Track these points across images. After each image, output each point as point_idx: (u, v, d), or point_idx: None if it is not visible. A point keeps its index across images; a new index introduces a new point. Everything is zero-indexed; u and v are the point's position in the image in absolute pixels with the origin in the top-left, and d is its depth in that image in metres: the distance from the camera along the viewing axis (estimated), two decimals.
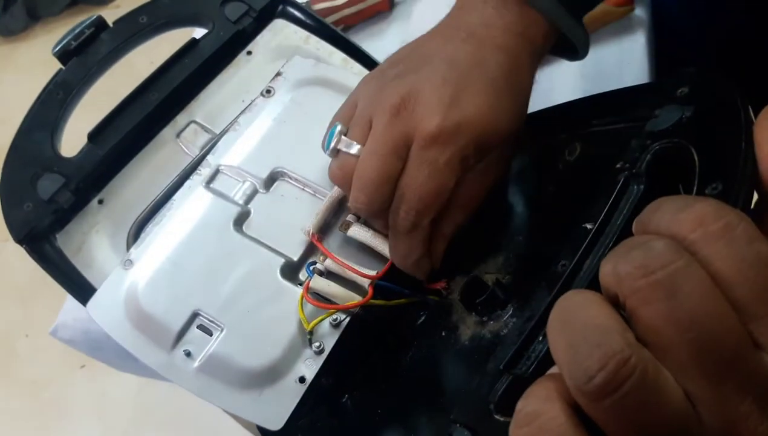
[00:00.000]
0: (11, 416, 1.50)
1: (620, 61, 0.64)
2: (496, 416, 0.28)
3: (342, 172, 0.41)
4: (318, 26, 0.58)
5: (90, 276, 0.50)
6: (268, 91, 0.52)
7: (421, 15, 0.73)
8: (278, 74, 0.53)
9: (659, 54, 0.66)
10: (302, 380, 0.43)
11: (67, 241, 0.51)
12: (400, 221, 0.40)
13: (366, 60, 0.56)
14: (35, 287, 1.60)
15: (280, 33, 0.57)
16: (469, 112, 0.38)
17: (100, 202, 0.52)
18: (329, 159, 0.43)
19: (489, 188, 0.43)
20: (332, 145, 0.41)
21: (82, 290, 0.49)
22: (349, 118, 0.42)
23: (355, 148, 0.40)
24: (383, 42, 0.71)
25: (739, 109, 0.33)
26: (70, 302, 0.61)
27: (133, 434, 1.39)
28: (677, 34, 0.70)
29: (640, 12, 0.66)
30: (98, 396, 1.44)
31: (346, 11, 0.66)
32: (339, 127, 0.41)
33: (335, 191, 0.47)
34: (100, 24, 0.54)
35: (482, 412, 0.29)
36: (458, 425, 0.30)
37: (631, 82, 0.61)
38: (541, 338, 0.29)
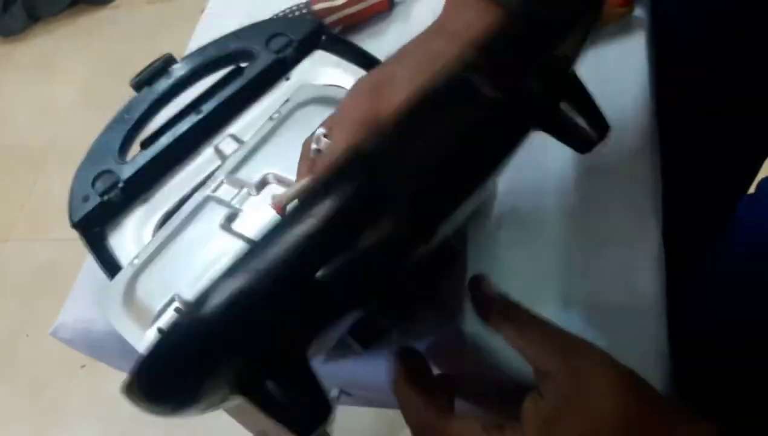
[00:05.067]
0: (11, 416, 1.47)
1: (620, 61, 0.62)
2: None
3: (309, 167, 0.41)
4: (356, 56, 0.62)
5: (121, 257, 0.57)
6: (277, 114, 0.57)
7: (421, 15, 0.72)
8: (287, 100, 0.58)
9: (659, 54, 0.65)
10: None
11: (111, 229, 0.59)
12: None
13: None
14: (35, 287, 1.62)
15: (318, 61, 0.62)
16: None
17: (144, 199, 0.60)
18: None
19: None
20: (309, 148, 0.41)
21: (114, 272, 0.55)
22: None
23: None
24: (383, 42, 0.70)
25: None
26: (71, 302, 0.62)
27: (132, 434, 1.34)
28: (677, 34, 0.69)
29: (639, 12, 0.65)
30: (98, 396, 1.40)
31: (346, 11, 0.66)
32: (319, 130, 0.40)
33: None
34: (168, 60, 0.64)
35: None
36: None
37: (631, 82, 0.61)
38: None
